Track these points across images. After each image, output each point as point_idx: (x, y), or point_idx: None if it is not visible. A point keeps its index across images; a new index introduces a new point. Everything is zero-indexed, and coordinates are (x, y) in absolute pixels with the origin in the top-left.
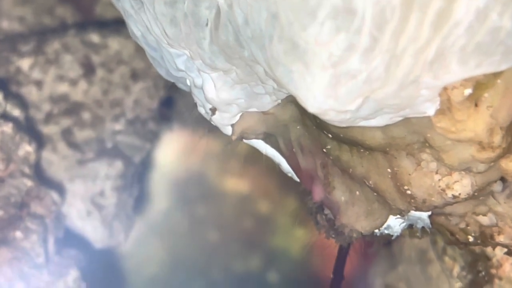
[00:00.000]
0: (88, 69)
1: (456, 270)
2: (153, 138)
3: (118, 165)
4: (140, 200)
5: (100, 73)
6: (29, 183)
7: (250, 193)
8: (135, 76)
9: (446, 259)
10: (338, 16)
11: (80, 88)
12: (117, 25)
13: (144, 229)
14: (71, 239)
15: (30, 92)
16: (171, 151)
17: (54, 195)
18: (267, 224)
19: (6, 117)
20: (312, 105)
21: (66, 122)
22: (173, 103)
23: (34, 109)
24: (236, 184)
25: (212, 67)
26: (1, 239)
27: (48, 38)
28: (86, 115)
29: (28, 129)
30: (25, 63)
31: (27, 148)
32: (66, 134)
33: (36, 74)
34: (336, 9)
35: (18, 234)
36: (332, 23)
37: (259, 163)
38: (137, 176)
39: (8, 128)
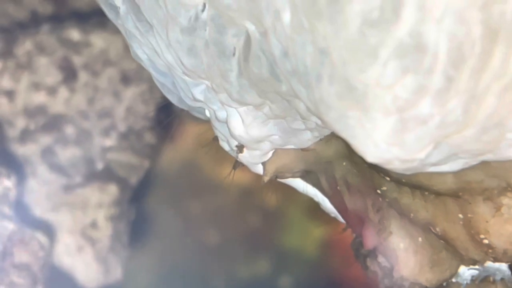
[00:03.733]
0: (69, 74)
1: None
2: (151, 153)
3: (112, 189)
4: (137, 224)
5: (83, 77)
6: (10, 226)
7: (254, 184)
8: (125, 79)
9: None
10: (405, 54)
11: (61, 97)
12: (100, 17)
13: (143, 257)
14: (59, 281)
15: (0, 105)
16: (174, 165)
17: (41, 237)
18: (275, 220)
19: None
20: (373, 155)
21: (46, 139)
22: (172, 108)
23: (7, 125)
24: (237, 173)
25: (241, 102)
26: None
27: (17, 37)
28: (69, 130)
29: (4, 155)
30: None
31: (6, 183)
32: (47, 154)
33: (6, 83)
34: (403, 47)
35: None
36: (398, 63)
37: None
38: (135, 199)
39: None
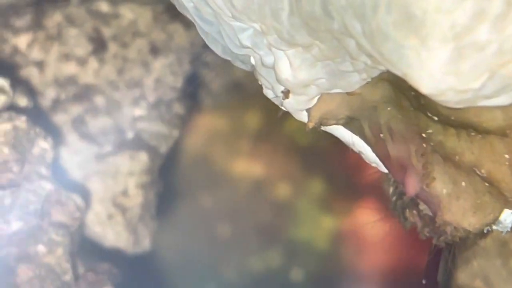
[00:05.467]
0: (98, 45)
1: None
2: (180, 123)
3: (143, 158)
4: (164, 197)
5: (112, 48)
6: (48, 186)
7: (266, 176)
8: (154, 50)
9: None
10: None
11: (90, 68)
12: None
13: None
14: (89, 249)
15: (31, 76)
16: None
17: (77, 199)
18: (287, 212)
19: (16, 108)
20: (428, 85)
21: (76, 109)
22: (199, 79)
23: (38, 95)
24: (248, 166)
25: (291, 42)
26: (22, 255)
27: (47, 9)
28: (99, 100)
29: (38, 119)
30: (21, 41)
31: (42, 145)
32: (78, 123)
33: (36, 54)
34: None
35: (41, 248)
36: None
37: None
38: (164, 169)
39: (21, 122)
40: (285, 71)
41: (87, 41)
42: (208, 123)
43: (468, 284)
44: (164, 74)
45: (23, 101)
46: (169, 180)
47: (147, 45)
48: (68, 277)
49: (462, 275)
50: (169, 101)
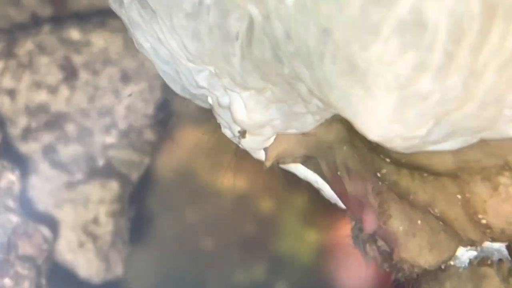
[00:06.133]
0: (70, 72)
1: None
2: (151, 150)
3: (113, 186)
4: (137, 221)
5: (83, 76)
6: (14, 219)
7: (249, 191)
8: (125, 77)
9: None
10: (406, 31)
11: (62, 96)
12: (100, 16)
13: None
14: (61, 277)
15: (2, 104)
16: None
17: (44, 230)
18: (271, 226)
19: None
20: (375, 133)
21: (47, 137)
22: (170, 105)
23: (9, 123)
24: (231, 181)
25: (244, 86)
26: None
27: (18, 37)
28: (70, 128)
29: (6, 150)
30: None
31: (10, 177)
32: (49, 152)
33: (7, 82)
34: (404, 23)
35: (7, 281)
36: (399, 39)
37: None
38: (135, 195)
39: None
40: (240, 112)
41: (58, 69)
42: (189, 139)
43: None
44: (135, 101)
45: None
46: (145, 202)
47: (118, 72)
48: None
49: None
50: (140, 127)
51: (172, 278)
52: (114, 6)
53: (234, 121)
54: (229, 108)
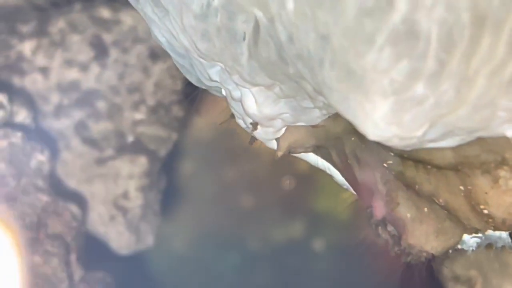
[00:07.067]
0: (100, 50)
1: None
2: (179, 126)
3: (142, 161)
4: (168, 192)
5: (113, 54)
6: (44, 198)
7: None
8: (154, 55)
9: None
10: (399, 41)
11: (92, 73)
12: None
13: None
14: (93, 248)
15: (35, 82)
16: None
17: (73, 208)
18: (309, 184)
19: (13, 124)
20: (373, 133)
21: (79, 114)
22: None
23: (41, 101)
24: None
25: (252, 83)
26: None
27: (51, 16)
28: (101, 105)
29: (38, 130)
30: (27, 47)
31: (39, 158)
32: (80, 128)
33: (40, 60)
34: (397, 33)
35: (37, 259)
36: (393, 49)
37: None
38: (164, 170)
39: (17, 138)
40: (251, 106)
41: (89, 47)
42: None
43: (464, 274)
44: (163, 78)
45: (22, 114)
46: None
47: (146, 50)
48: (64, 285)
49: (458, 265)
50: (168, 104)
51: (207, 239)
52: (131, 1)
53: (246, 114)
54: (240, 101)
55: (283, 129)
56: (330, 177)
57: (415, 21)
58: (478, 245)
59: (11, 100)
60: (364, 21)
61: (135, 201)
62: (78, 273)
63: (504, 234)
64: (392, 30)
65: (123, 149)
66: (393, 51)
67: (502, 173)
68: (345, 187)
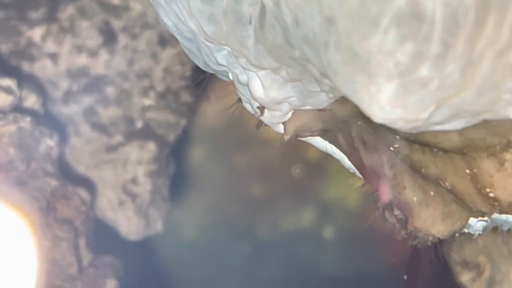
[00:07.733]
0: (109, 37)
1: None
2: (188, 111)
3: (151, 147)
4: (177, 178)
5: (122, 40)
6: (53, 182)
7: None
8: (163, 41)
9: None
10: (404, 22)
11: (101, 59)
12: None
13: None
14: (102, 233)
15: (45, 68)
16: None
17: (82, 193)
18: (319, 172)
19: (22, 109)
20: (379, 116)
21: (88, 100)
22: None
23: (51, 86)
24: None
25: (259, 66)
26: None
27: (60, 2)
28: (110, 90)
29: (47, 115)
30: (36, 33)
31: (48, 143)
32: (89, 114)
33: (50, 46)
34: (402, 15)
35: (46, 243)
36: (397, 30)
37: None
38: (173, 155)
39: (25, 123)
40: (258, 90)
41: (98, 33)
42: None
43: (473, 259)
44: (172, 63)
45: (31, 99)
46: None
47: (155, 36)
48: (73, 269)
49: (466, 251)
50: (177, 89)
51: (217, 225)
52: None
53: (253, 98)
54: (247, 85)
55: (290, 113)
56: (339, 163)
57: (420, 3)
58: (484, 229)
59: (20, 85)
60: (369, 3)
61: (144, 187)
62: (87, 257)
63: (510, 218)
64: (397, 12)
65: (132, 135)
66: (398, 33)
67: (508, 156)
68: (352, 171)
